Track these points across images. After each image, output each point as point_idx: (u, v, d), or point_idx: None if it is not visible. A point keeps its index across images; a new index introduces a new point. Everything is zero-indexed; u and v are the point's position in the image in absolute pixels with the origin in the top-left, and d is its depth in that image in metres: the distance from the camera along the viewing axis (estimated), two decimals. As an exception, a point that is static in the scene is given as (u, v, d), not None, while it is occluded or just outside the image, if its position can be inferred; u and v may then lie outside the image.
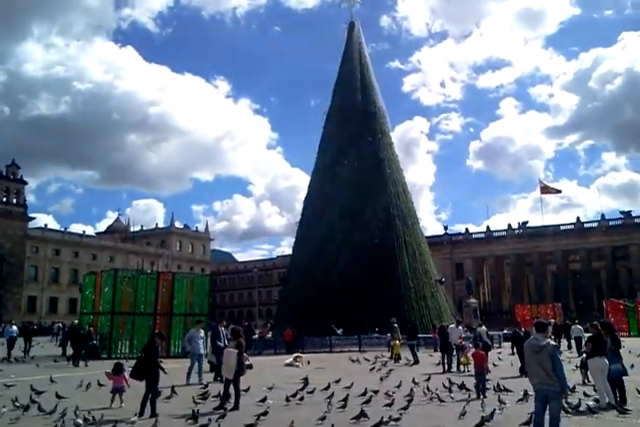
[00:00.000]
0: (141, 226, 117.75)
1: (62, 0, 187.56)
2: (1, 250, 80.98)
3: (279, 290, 53.21)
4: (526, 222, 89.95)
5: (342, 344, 31.98)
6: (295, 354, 24.10)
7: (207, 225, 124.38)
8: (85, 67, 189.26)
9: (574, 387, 12.19)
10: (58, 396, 12.04)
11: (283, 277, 46.78)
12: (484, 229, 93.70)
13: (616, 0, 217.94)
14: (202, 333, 15.80)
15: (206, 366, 17.01)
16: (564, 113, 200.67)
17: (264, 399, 11.37)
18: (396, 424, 9.21)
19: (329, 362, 24.00)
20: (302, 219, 43.06)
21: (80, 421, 8.97)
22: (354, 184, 40.00)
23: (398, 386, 13.73)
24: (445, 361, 19.86)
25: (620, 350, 12.21)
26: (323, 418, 9.77)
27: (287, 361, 22.78)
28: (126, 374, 11.65)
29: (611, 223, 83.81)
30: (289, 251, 46.35)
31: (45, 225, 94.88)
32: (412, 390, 12.92)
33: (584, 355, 13.35)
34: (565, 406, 10.21)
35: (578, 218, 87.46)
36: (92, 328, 27.06)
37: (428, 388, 13.16)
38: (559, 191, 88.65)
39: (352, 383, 13.65)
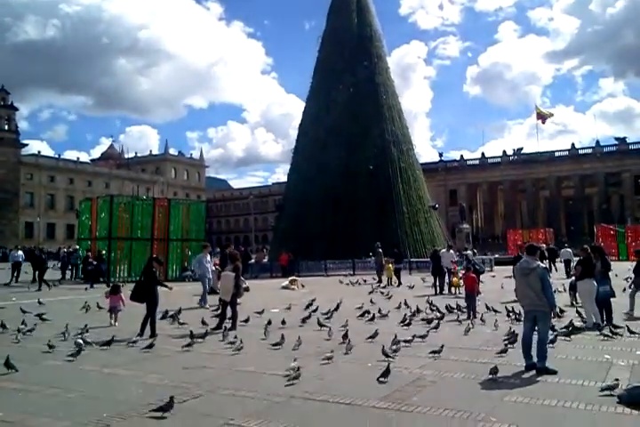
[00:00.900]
0: (135, 153, 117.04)
1: None
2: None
3: (275, 216, 53.59)
4: (521, 149, 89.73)
5: (337, 268, 32.62)
6: (291, 277, 24.65)
7: (202, 152, 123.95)
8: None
9: (561, 311, 12.54)
10: (41, 318, 12.49)
11: (278, 204, 47.01)
12: (478, 155, 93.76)
13: None
14: (209, 257, 15.98)
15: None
16: (563, 37, 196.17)
17: (269, 322, 11.58)
18: (423, 341, 9.54)
19: (323, 285, 24.59)
20: (297, 145, 42.79)
21: (80, 341, 9.31)
22: (349, 110, 39.44)
23: (405, 305, 14.25)
24: (437, 284, 20.42)
25: (609, 273, 12.56)
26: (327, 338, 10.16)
27: (283, 284, 23.32)
28: (122, 295, 12.31)
29: (605, 150, 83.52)
30: (284, 178, 46.39)
31: (39, 152, 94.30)
32: (416, 309, 13.63)
33: (573, 277, 13.68)
34: (554, 325, 10.61)
35: (572, 144, 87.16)
36: (89, 253, 27.50)
37: (432, 307, 13.98)
38: (552, 115, 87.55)
39: (340, 301, 14.10)
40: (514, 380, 7.19)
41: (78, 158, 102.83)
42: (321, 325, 11.16)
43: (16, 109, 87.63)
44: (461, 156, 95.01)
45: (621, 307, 13.16)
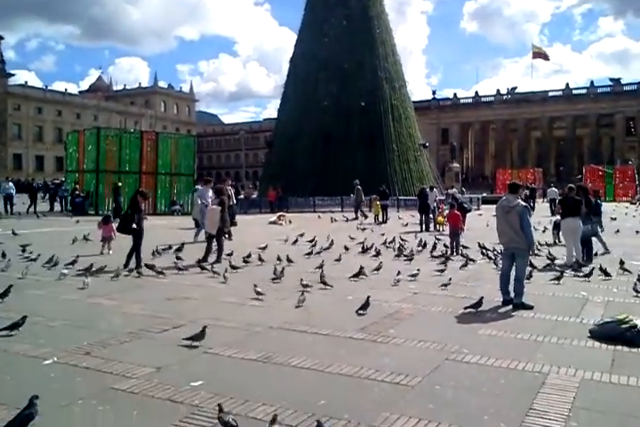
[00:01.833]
0: (124, 85, 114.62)
1: None
2: (-20, 107, 79.16)
3: (265, 152, 53.14)
4: (515, 88, 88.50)
5: (325, 205, 32.78)
6: (278, 213, 24.76)
7: (192, 85, 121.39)
8: None
9: (538, 248, 12.69)
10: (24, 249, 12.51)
11: (268, 140, 46.54)
12: (472, 94, 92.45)
13: None
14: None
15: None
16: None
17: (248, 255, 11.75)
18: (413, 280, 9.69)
19: (310, 221, 24.72)
20: (288, 80, 41.98)
21: (65, 271, 9.38)
22: (342, 44, 38.52)
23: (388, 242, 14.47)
24: (423, 221, 20.63)
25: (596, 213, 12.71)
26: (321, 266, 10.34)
27: (271, 219, 23.44)
28: (114, 225, 12.42)
29: (599, 91, 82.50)
30: (276, 114, 45.62)
31: (26, 82, 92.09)
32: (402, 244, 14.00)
33: (557, 216, 13.78)
34: (533, 262, 10.78)
35: (567, 84, 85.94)
36: (77, 185, 27.37)
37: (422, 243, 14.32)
38: (548, 58, 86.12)
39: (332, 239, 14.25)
40: (490, 314, 7.35)
41: (66, 90, 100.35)
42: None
43: (1, 38, 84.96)
44: (455, 94, 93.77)
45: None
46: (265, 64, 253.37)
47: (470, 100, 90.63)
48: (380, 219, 24.34)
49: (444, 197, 25.06)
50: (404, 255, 12.39)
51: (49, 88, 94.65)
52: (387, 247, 14.15)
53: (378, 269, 10.38)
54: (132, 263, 10.65)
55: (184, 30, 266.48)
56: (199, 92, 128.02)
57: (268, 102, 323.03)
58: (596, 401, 4.40)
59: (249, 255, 11.57)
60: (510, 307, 7.67)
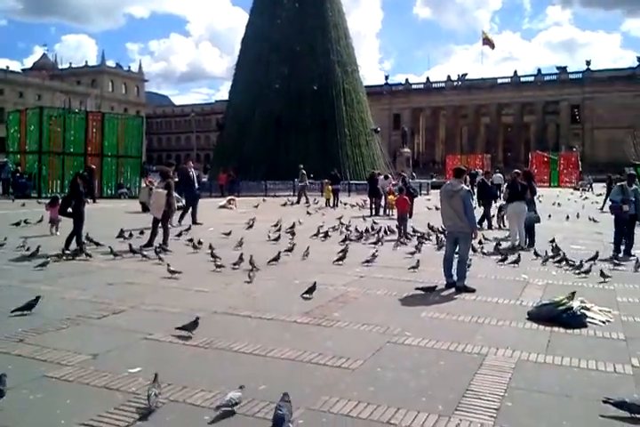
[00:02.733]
0: (70, 63, 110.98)
1: None
2: None
3: (217, 135, 52.46)
4: (465, 75, 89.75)
5: (277, 189, 32.62)
6: (229, 197, 24.52)
7: (140, 65, 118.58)
8: None
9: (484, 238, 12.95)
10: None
11: (219, 123, 45.87)
12: (424, 80, 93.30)
13: None
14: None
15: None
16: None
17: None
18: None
19: (262, 205, 24.55)
20: (240, 61, 41.34)
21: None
22: (294, 26, 38.08)
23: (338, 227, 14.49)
24: (373, 206, 20.78)
25: (535, 198, 12.99)
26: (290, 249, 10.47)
27: (221, 204, 23.19)
28: None
29: (546, 78, 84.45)
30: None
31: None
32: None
33: (502, 201, 14.07)
34: (477, 246, 10.98)
35: (515, 72, 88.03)
36: (19, 167, 26.50)
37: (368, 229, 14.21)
38: (493, 47, 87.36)
39: (300, 222, 14.20)
40: (433, 297, 7.44)
41: (8, 67, 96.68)
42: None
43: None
44: (406, 79, 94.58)
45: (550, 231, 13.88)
46: (218, 44, 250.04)
47: (422, 86, 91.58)
48: (332, 203, 24.44)
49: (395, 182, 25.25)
50: (349, 239, 12.50)
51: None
52: (333, 230, 14.19)
53: (307, 253, 10.32)
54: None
55: (134, 8, 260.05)
56: (149, 73, 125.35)
57: (221, 84, 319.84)
58: (532, 381, 4.50)
59: (200, 242, 11.28)
60: (453, 290, 7.79)
